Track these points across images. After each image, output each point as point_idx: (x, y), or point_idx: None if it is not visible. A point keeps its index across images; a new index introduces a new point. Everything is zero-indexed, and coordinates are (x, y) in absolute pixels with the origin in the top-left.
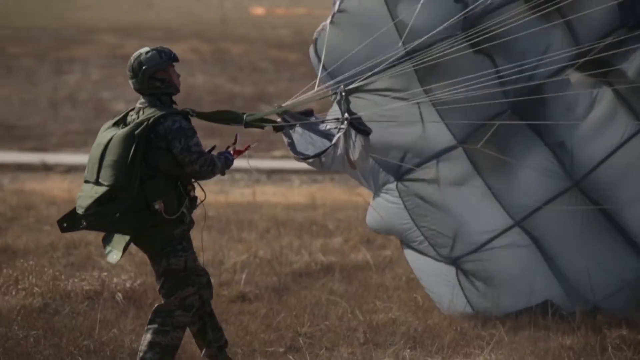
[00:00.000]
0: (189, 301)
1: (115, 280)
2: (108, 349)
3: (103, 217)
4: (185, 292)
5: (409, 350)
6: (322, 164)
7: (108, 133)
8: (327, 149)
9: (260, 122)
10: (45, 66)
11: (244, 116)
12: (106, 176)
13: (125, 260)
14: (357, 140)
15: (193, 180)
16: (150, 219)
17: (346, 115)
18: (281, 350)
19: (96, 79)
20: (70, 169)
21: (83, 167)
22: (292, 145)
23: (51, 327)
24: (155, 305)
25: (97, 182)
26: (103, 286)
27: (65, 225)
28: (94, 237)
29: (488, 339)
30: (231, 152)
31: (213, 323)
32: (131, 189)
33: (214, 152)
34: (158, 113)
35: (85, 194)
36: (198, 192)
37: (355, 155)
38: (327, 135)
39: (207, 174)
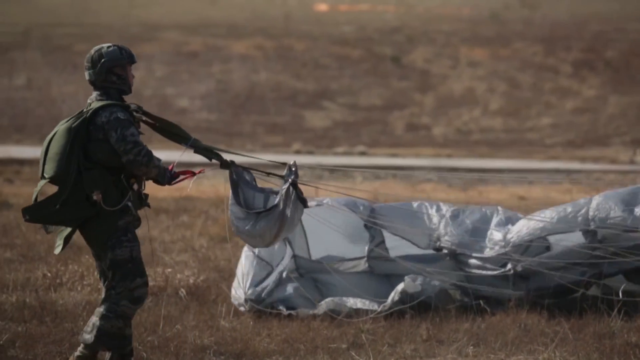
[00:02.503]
0: (137, 293)
1: (178, 276)
2: (172, 345)
3: (44, 209)
4: (133, 283)
5: (472, 347)
6: (255, 224)
7: (57, 127)
8: (271, 208)
9: (205, 152)
10: None
11: (192, 139)
12: (48, 169)
13: (189, 257)
14: (294, 207)
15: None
16: (90, 210)
17: (292, 177)
18: (344, 346)
19: (160, 75)
20: None
21: None
22: (235, 192)
23: None
24: (107, 290)
25: (42, 176)
26: (167, 282)
27: (27, 217)
28: (158, 233)
29: (552, 335)
30: (175, 172)
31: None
32: (68, 181)
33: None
34: (96, 105)
35: (36, 188)
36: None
37: (289, 220)
38: (267, 195)
39: (142, 165)
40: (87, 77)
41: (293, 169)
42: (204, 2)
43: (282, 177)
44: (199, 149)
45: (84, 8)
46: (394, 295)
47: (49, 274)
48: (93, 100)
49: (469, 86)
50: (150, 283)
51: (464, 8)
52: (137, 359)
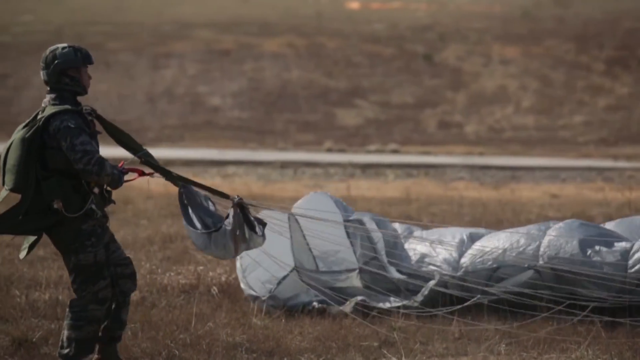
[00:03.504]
0: (101, 295)
1: (210, 274)
2: (204, 342)
3: (7, 220)
4: (97, 285)
5: (504, 345)
6: (209, 241)
7: (14, 135)
8: (219, 226)
9: (154, 166)
10: (143, 61)
11: (143, 151)
12: (7, 180)
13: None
14: (245, 227)
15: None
16: (53, 218)
17: (237, 198)
18: (375, 344)
19: (193, 73)
20: (168, 164)
21: (180, 161)
22: (186, 213)
23: (148, 320)
24: (69, 300)
25: (3, 186)
26: (199, 280)
27: None
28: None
29: (585, 334)
30: (125, 168)
31: (116, 314)
32: (28, 191)
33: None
34: (48, 113)
35: None
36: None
37: (242, 238)
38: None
39: (93, 174)
40: (42, 77)
41: (235, 199)
42: (236, 0)
43: (227, 197)
44: (150, 160)
45: (116, 6)
46: (424, 291)
47: None
48: (47, 104)
49: (501, 84)
50: (183, 281)
51: (496, 5)
52: (170, 356)
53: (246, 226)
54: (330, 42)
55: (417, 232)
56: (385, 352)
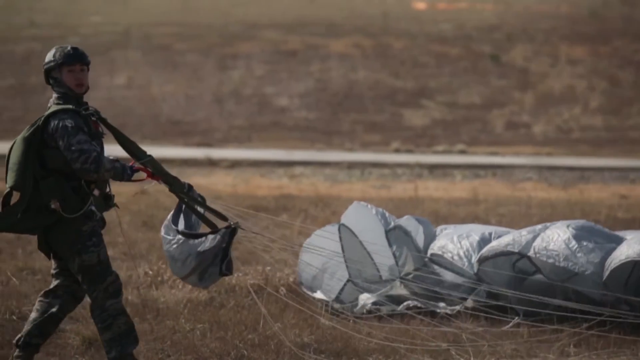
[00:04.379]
0: (112, 288)
1: (278, 274)
2: (272, 343)
3: (6, 218)
4: (105, 282)
5: (573, 347)
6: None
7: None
8: (206, 234)
9: (159, 172)
10: (210, 62)
11: (147, 157)
12: (8, 179)
13: (289, 255)
14: (214, 256)
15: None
16: (51, 218)
17: (236, 222)
18: (444, 345)
19: (260, 74)
20: (235, 164)
21: (248, 162)
22: (177, 214)
23: (217, 320)
24: (89, 306)
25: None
26: (267, 281)
27: None
28: (258, 231)
29: None
30: (133, 166)
31: (43, 324)
32: (26, 190)
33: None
34: (47, 112)
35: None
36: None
37: (205, 262)
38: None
39: (91, 172)
40: None
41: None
42: (303, 1)
43: (226, 219)
44: (155, 168)
45: (184, 7)
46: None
47: (150, 272)
48: (51, 104)
49: (568, 84)
50: (251, 281)
51: (563, 5)
52: (238, 356)
53: (221, 256)
54: (397, 42)
55: (451, 228)
56: (453, 353)
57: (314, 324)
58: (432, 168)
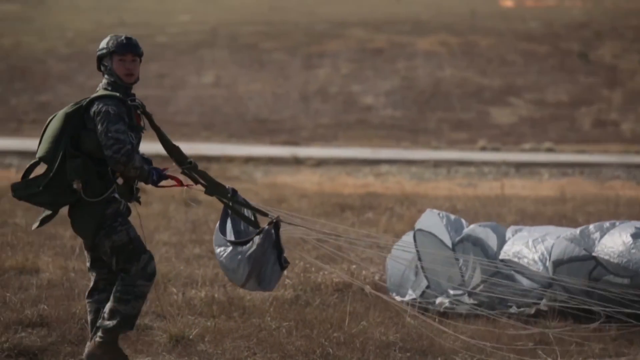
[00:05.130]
0: (149, 269)
1: (364, 272)
2: (357, 341)
3: (27, 188)
4: (141, 261)
5: None
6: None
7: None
8: (246, 241)
9: (196, 174)
10: (297, 60)
11: (189, 163)
12: (40, 149)
13: (374, 253)
14: (268, 253)
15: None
16: (71, 197)
17: (277, 217)
18: (530, 345)
19: (346, 72)
20: (321, 163)
21: (333, 160)
22: (224, 221)
23: (302, 318)
24: (120, 276)
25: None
26: (352, 278)
27: (13, 193)
28: (342, 230)
29: None
30: (165, 174)
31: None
32: (54, 164)
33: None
34: (93, 95)
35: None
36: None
37: (258, 264)
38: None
39: (119, 163)
40: None
41: (273, 219)
42: None
43: (267, 215)
44: (192, 170)
45: (271, 6)
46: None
47: None
48: (100, 88)
49: None
50: (336, 279)
51: None
52: (324, 354)
53: (274, 253)
54: (484, 40)
55: (524, 230)
56: (540, 352)
57: (400, 322)
58: (519, 166)
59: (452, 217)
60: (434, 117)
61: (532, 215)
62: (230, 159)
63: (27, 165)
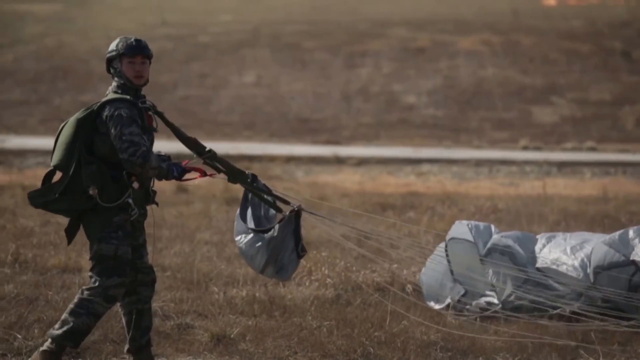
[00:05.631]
0: (112, 292)
1: (405, 272)
2: (398, 341)
3: (42, 196)
4: (110, 281)
5: None
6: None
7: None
8: (268, 228)
9: (219, 166)
10: (339, 60)
11: (208, 152)
12: (54, 157)
13: (416, 253)
14: (287, 240)
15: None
16: (87, 203)
17: (299, 205)
18: (572, 344)
19: (388, 71)
20: (362, 162)
21: (375, 159)
22: (245, 208)
23: (343, 317)
24: (83, 287)
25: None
26: (393, 278)
27: (30, 201)
28: (384, 229)
29: None
30: (187, 167)
31: (137, 322)
32: (68, 171)
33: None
34: (104, 99)
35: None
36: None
37: (276, 251)
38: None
39: (136, 166)
40: None
41: (295, 206)
42: None
43: (288, 203)
44: (214, 160)
45: (313, 5)
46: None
47: None
48: (109, 91)
49: None
50: (377, 279)
51: None
52: (365, 353)
53: (292, 241)
54: (526, 39)
55: (560, 237)
56: (582, 352)
57: (441, 321)
58: (561, 165)
59: (481, 225)
60: (475, 116)
61: (574, 214)
62: (271, 159)
63: (44, 174)
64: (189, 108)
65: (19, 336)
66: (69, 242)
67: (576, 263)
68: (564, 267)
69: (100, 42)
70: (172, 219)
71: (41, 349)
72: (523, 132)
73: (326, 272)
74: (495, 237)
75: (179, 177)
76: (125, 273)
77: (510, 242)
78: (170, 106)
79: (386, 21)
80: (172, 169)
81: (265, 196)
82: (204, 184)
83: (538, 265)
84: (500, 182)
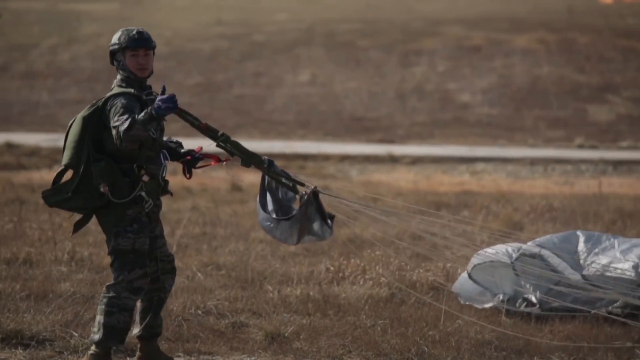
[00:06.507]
0: (137, 284)
1: (459, 271)
2: (453, 340)
3: (55, 195)
4: (132, 274)
5: None
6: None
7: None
8: (290, 216)
9: (233, 149)
10: (393, 58)
11: (221, 135)
12: (64, 156)
13: (472, 251)
14: (313, 216)
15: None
16: (100, 200)
17: (314, 187)
18: (628, 344)
19: (442, 70)
20: (416, 161)
21: (429, 158)
22: (263, 192)
23: (397, 316)
24: (106, 284)
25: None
26: (447, 277)
27: (44, 200)
28: (438, 228)
29: None
30: (200, 154)
31: (157, 310)
32: (79, 169)
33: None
34: (108, 94)
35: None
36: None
37: (307, 223)
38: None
39: (126, 131)
40: None
41: (311, 187)
42: None
43: (303, 184)
44: (228, 145)
45: (367, 4)
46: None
47: (331, 268)
48: (114, 85)
49: None
50: (432, 278)
51: None
52: (419, 352)
53: (318, 216)
54: (582, 37)
55: (605, 242)
56: (638, 351)
57: (496, 321)
58: (617, 164)
59: (510, 248)
60: (530, 115)
61: (630, 213)
62: (326, 157)
63: (56, 173)
64: (244, 107)
65: (75, 334)
66: (74, 232)
67: (628, 265)
68: (619, 270)
69: (155, 41)
70: (227, 218)
71: (89, 352)
72: (578, 130)
73: (380, 270)
74: (529, 243)
75: (174, 108)
76: (146, 264)
77: (537, 249)
78: (225, 105)
79: (441, 19)
80: (157, 104)
81: (282, 179)
82: (257, 183)
83: (585, 272)
84: (555, 181)
